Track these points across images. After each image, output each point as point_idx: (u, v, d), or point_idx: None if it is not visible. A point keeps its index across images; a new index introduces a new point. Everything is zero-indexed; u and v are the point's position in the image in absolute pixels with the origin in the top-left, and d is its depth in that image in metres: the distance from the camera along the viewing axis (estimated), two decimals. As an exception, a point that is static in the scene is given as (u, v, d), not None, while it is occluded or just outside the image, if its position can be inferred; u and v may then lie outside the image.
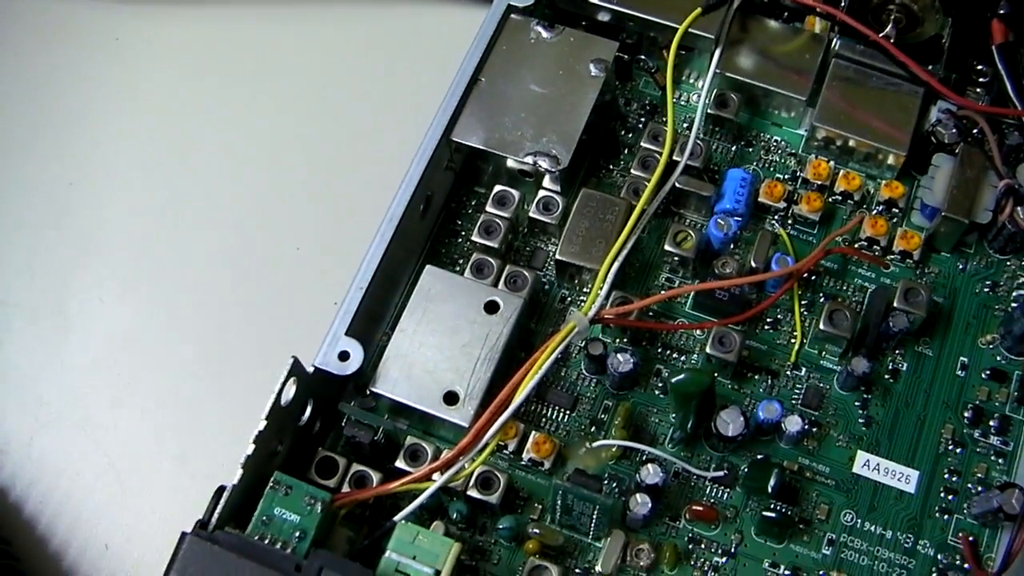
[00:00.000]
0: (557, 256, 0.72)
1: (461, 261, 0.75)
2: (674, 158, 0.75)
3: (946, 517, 0.69)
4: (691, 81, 0.81)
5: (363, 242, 0.71)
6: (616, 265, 0.70)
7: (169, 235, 0.86)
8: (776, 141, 0.79)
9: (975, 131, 0.76)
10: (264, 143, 0.90)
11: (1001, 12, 0.78)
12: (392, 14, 0.95)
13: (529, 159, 0.72)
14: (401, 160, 0.73)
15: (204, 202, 0.87)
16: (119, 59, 0.94)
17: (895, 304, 0.71)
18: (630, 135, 0.79)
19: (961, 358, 0.73)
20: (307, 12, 0.96)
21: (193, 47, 0.95)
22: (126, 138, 0.91)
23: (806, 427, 0.69)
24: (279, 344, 0.67)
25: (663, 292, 0.73)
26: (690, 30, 0.76)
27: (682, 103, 0.81)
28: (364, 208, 0.73)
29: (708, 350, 0.70)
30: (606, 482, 0.69)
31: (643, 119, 0.80)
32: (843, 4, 0.78)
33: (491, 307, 0.69)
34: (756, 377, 0.72)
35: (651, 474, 0.66)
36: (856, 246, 0.75)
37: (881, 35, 0.77)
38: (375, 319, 0.72)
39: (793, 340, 0.73)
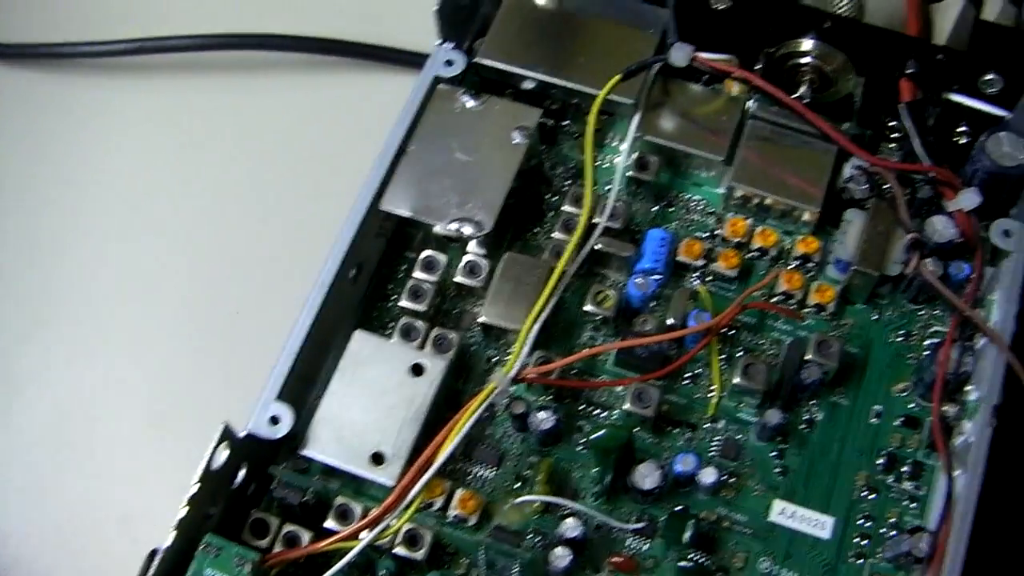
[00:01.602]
0: (481, 319, 0.74)
1: (392, 324, 0.77)
2: (595, 220, 0.77)
3: (860, 561, 0.71)
4: (614, 144, 0.84)
5: (300, 306, 0.73)
6: (537, 326, 0.72)
7: (113, 302, 0.89)
8: (696, 200, 0.82)
9: (886, 186, 0.79)
10: (202, 209, 0.92)
11: (908, 71, 0.81)
12: (324, 83, 0.98)
13: (453, 225, 0.75)
14: (337, 227, 0.75)
15: (146, 269, 0.90)
16: (65, 130, 0.97)
17: (808, 356, 0.74)
18: (555, 198, 0.82)
19: (875, 406, 0.75)
20: (240, 82, 0.99)
21: (132, 118, 0.97)
22: (70, 207, 0.93)
23: (722, 478, 0.72)
24: (221, 407, 0.68)
25: (584, 351, 0.75)
26: (610, 96, 0.78)
27: (606, 165, 0.83)
28: (302, 273, 0.75)
29: (626, 406, 0.72)
30: (529, 536, 0.71)
31: (568, 182, 0.82)
32: (758, 67, 0.81)
33: (416, 370, 0.72)
34: (676, 431, 0.74)
35: (571, 528, 0.69)
36: (772, 300, 0.78)
37: (795, 96, 0.79)
38: (308, 382, 0.74)
39: (712, 394, 0.75)
